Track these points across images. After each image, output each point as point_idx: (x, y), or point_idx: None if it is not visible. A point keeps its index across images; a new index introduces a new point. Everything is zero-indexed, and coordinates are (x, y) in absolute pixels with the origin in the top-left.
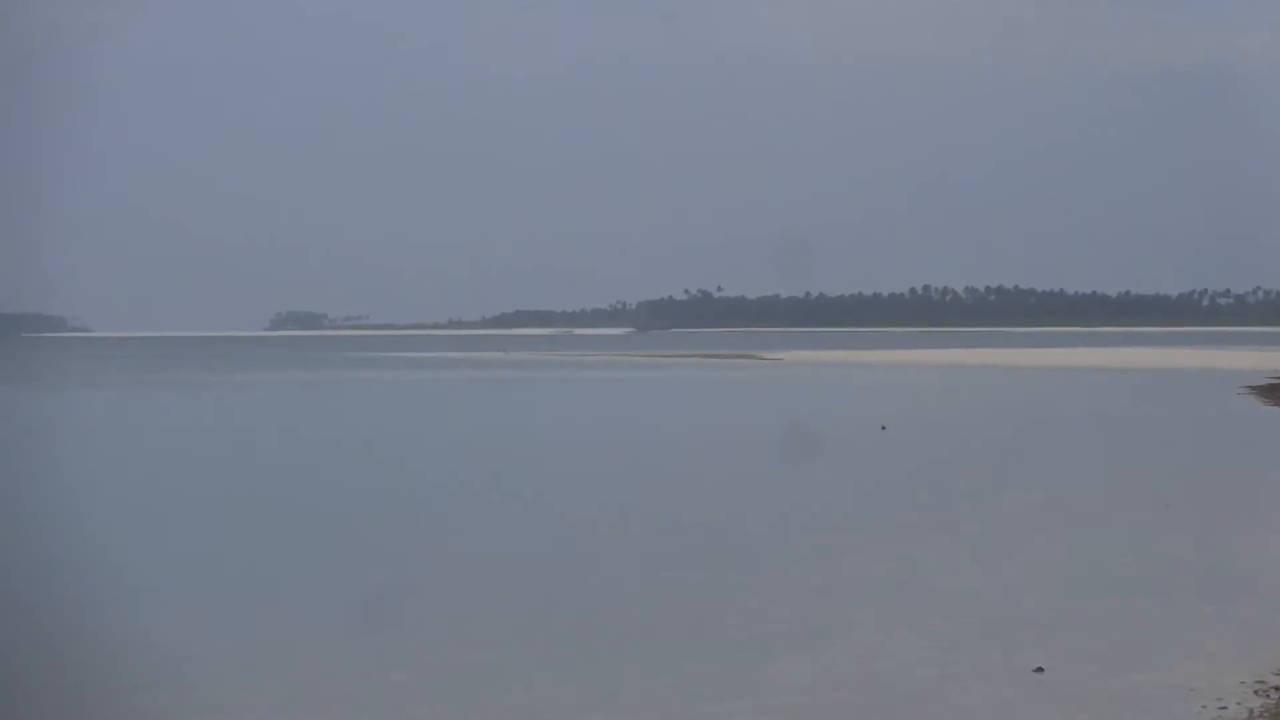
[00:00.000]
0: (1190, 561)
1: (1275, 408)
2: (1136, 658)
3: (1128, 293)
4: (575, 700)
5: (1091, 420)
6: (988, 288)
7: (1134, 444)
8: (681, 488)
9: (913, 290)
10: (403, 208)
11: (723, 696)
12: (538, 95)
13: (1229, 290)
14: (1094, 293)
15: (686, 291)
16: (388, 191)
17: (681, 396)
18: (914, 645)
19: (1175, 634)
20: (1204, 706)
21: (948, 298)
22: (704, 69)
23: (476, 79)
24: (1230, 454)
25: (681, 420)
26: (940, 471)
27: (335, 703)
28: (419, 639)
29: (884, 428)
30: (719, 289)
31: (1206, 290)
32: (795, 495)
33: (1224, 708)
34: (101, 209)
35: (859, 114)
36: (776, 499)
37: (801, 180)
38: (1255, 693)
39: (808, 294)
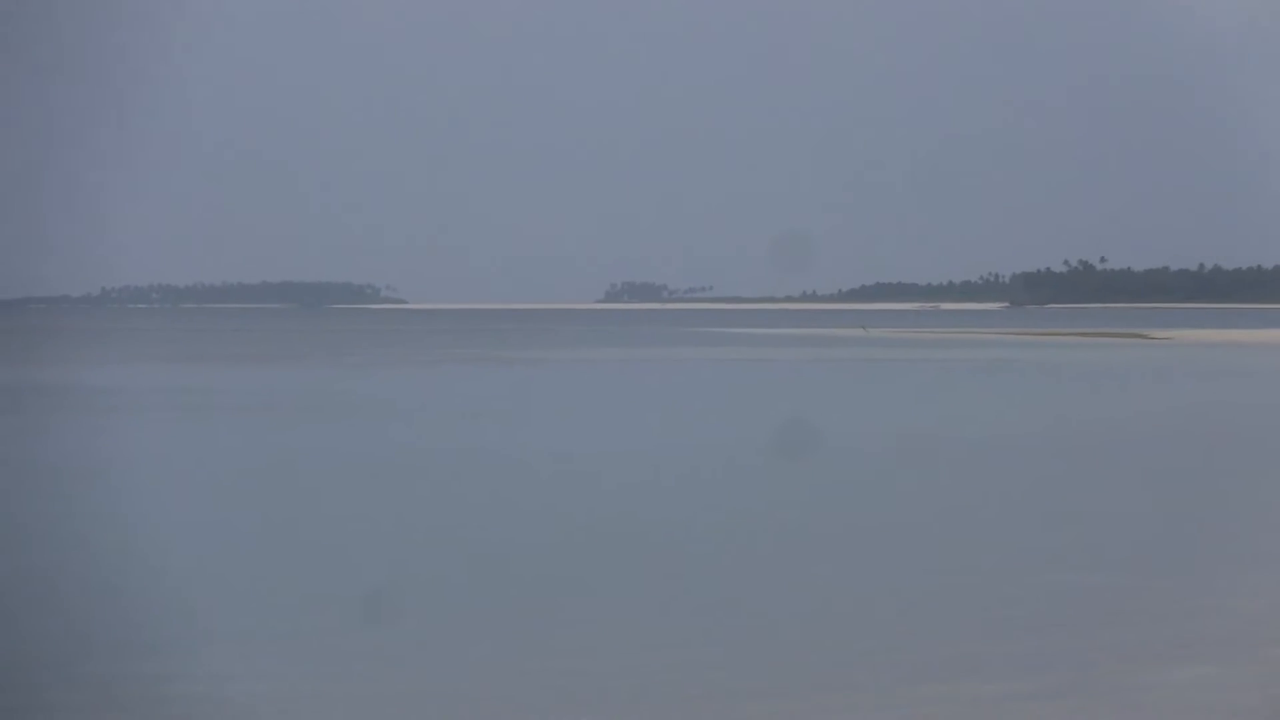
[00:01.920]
0: None
1: None
2: None
3: None
4: None
5: None
6: None
7: None
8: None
9: None
10: (750, 173)
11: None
12: (883, 50)
13: None
14: None
15: (1066, 263)
16: (734, 156)
17: (1069, 381)
18: None
19: None
20: None
21: None
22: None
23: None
24: None
25: (1081, 410)
26: None
27: None
28: None
29: None
30: (1102, 260)
31: None
32: (1183, 498)
33: None
34: (414, 178)
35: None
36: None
37: (1195, 137)
38: None
39: (1201, 266)
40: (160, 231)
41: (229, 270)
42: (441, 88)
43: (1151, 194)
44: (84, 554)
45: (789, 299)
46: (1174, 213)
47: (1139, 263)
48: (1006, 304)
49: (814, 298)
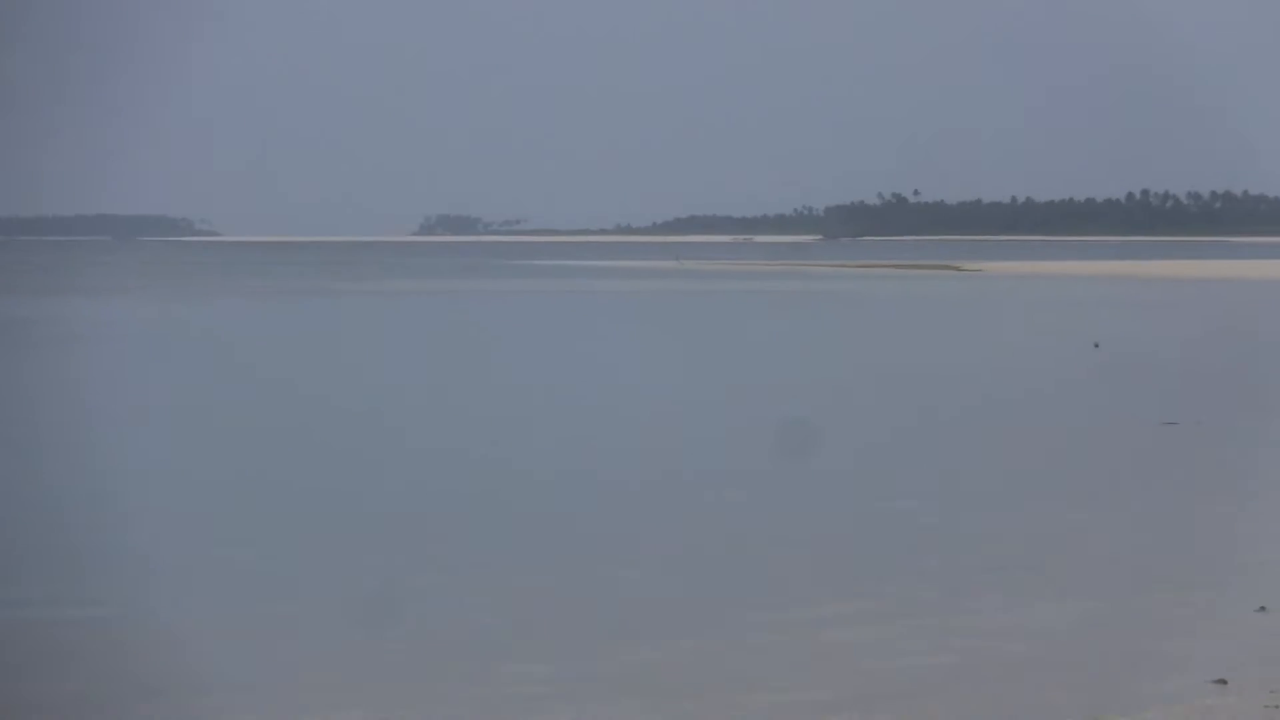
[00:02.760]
0: None
1: None
2: None
3: None
4: None
5: None
6: (1214, 194)
7: None
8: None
9: (1129, 195)
10: (566, 101)
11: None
12: None
13: None
14: None
15: (880, 195)
16: (549, 82)
17: (879, 313)
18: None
19: None
20: None
21: (1168, 204)
22: None
23: None
24: None
25: (883, 346)
26: (1161, 393)
27: None
28: None
29: (1097, 345)
30: (915, 193)
31: None
32: (983, 430)
33: None
34: (231, 110)
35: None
36: (955, 433)
37: (1007, 73)
38: None
39: (1013, 199)
40: None
41: (41, 202)
42: (257, 22)
43: (963, 127)
44: None
45: (603, 231)
46: (987, 147)
47: (951, 195)
48: (820, 237)
49: (628, 230)
